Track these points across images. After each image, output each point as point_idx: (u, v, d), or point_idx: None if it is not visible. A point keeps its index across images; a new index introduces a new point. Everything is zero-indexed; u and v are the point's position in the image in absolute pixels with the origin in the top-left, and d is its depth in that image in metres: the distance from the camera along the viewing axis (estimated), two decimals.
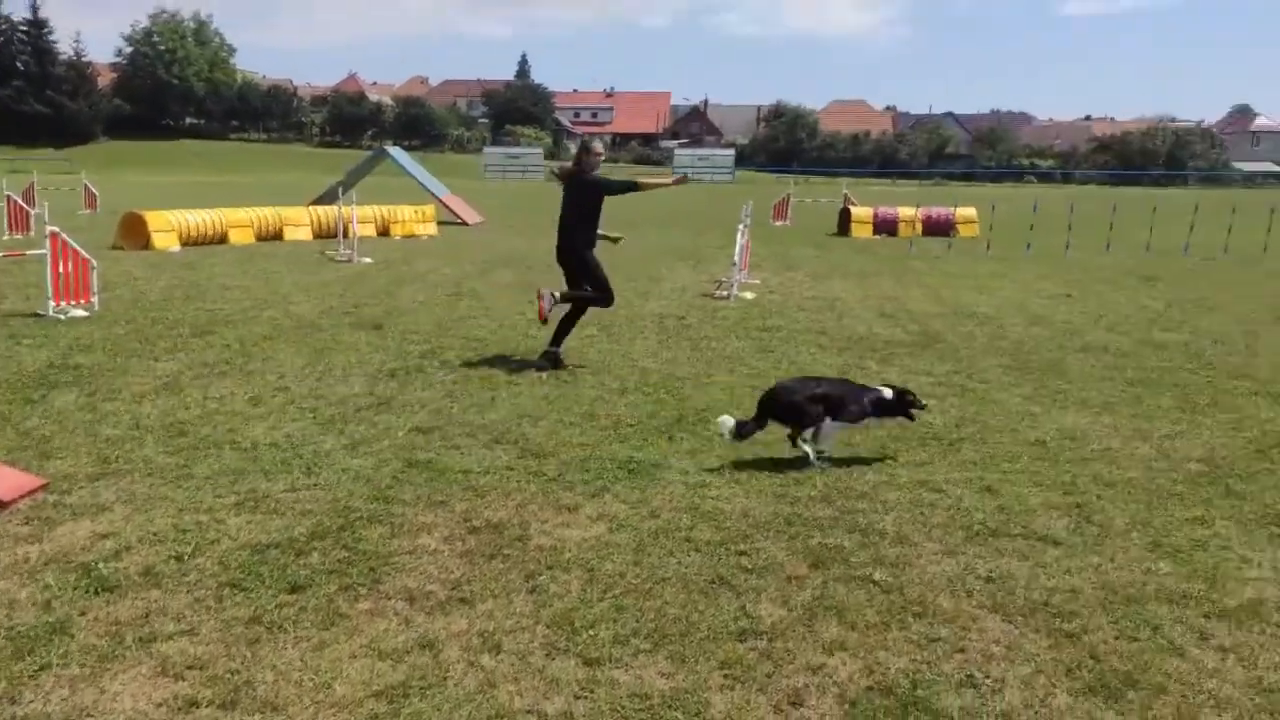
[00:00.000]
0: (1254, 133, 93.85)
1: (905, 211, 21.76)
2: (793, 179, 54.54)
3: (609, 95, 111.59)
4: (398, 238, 18.77)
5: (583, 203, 7.75)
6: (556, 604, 3.63)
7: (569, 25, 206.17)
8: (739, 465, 5.28)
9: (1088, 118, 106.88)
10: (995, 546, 4.21)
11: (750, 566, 3.99)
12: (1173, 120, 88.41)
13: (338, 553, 4.05)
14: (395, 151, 23.61)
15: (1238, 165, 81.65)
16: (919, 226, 20.80)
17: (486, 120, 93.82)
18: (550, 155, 78.16)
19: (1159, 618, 3.56)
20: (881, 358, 8.14)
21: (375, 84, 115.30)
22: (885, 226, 21.59)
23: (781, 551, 4.14)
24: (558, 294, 7.67)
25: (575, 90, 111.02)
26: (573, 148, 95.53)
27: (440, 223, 20.73)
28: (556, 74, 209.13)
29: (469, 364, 7.62)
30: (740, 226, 12.29)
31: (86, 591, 3.66)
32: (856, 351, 8.37)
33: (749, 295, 11.58)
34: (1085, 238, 18.65)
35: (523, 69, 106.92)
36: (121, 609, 3.54)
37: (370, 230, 18.43)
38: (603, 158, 8.01)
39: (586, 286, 7.73)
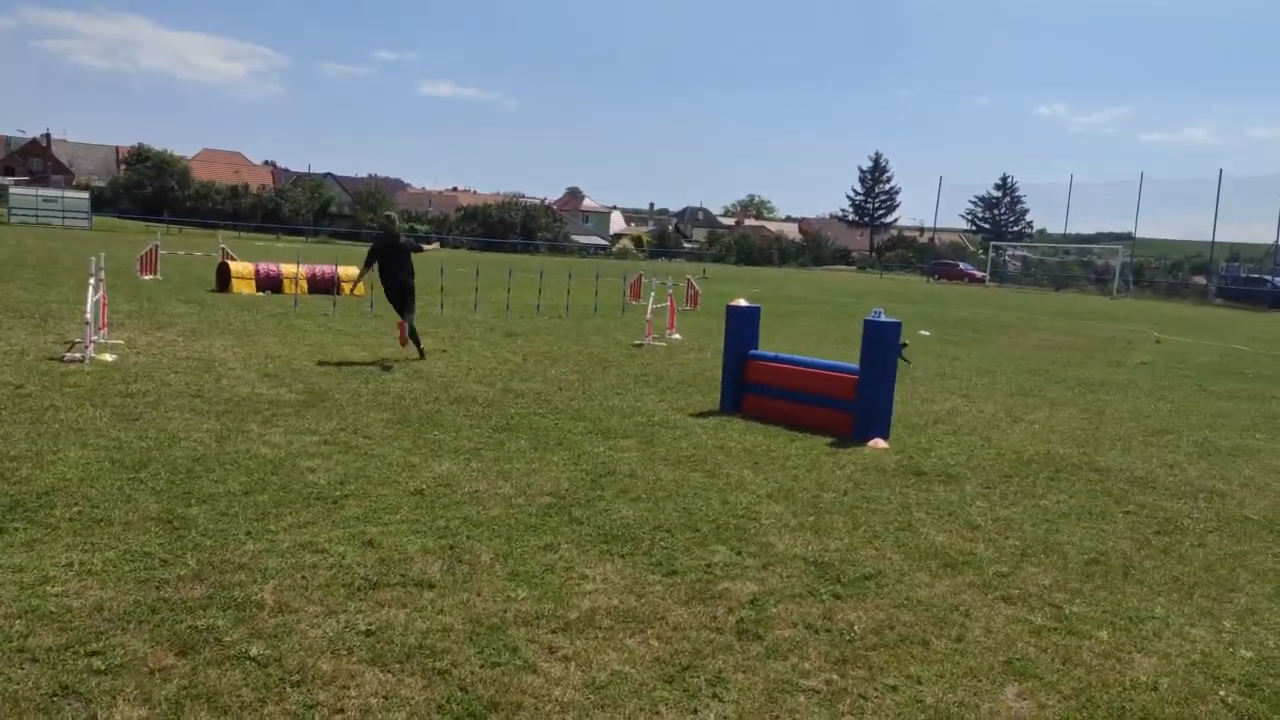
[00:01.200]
0: (585, 211, 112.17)
1: (289, 268, 21.36)
2: (163, 229, 50.14)
3: None
4: None
5: (407, 257, 12.27)
6: None
7: None
8: (92, 550, 4.66)
9: (455, 189, 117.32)
10: (376, 599, 4.34)
11: (103, 667, 3.54)
12: (523, 196, 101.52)
13: None
14: None
15: (575, 238, 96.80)
16: (304, 284, 20.61)
17: None
18: None
19: (517, 640, 4.02)
20: (264, 419, 7.87)
21: None
22: (269, 283, 20.95)
23: (143, 644, 3.75)
24: (406, 325, 11.90)
25: None
26: None
27: None
28: None
29: None
30: (91, 280, 10.89)
31: None
32: (238, 414, 7.97)
33: (109, 357, 10.29)
34: (458, 297, 20.32)
35: None
36: None
37: None
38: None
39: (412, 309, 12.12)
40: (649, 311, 15.92)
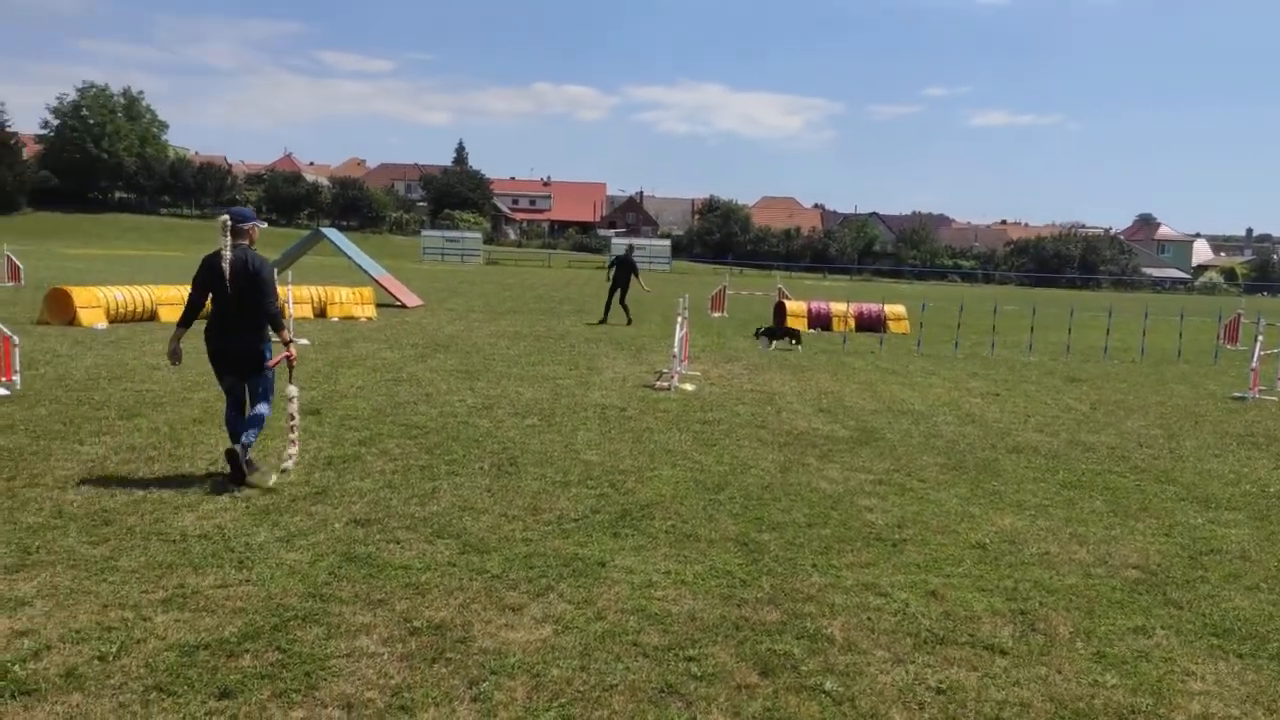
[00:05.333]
0: (1159, 241, 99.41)
1: (838, 307, 22.27)
2: (728, 270, 55.85)
3: (546, 184, 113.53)
4: (335, 319, 18.53)
5: (630, 271, 20.57)
6: (501, 713, 3.50)
7: (506, 115, 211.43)
8: (684, 562, 5.24)
9: (1003, 222, 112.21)
10: (944, 655, 4.21)
11: (699, 674, 3.91)
12: (1083, 227, 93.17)
13: (271, 655, 3.87)
14: (330, 232, 23.43)
15: (1147, 271, 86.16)
16: (851, 322, 21.32)
17: (425, 204, 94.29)
18: (489, 240, 78.59)
19: None
20: (821, 453, 8.21)
21: (311, 164, 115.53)
22: (819, 321, 22.07)
23: (730, 658, 4.08)
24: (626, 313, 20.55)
25: (513, 178, 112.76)
26: (511, 232, 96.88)
27: (378, 305, 20.57)
28: (493, 161, 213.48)
29: (409, 453, 7.47)
30: (679, 318, 12.43)
31: (2, 695, 3.42)
32: (797, 447, 8.43)
33: (689, 387, 11.64)
34: (1008, 337, 19.31)
35: (460, 155, 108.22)
36: (39, 715, 3.31)
37: (307, 311, 18.18)
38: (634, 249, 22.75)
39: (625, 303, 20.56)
40: (1254, 359, 13.44)
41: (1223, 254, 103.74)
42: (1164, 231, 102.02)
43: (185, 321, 6.40)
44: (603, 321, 20.38)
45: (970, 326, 20.10)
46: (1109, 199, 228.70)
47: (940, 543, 5.82)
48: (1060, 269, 77.69)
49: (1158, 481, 7.76)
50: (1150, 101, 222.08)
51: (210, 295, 6.36)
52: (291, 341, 6.72)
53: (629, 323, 20.08)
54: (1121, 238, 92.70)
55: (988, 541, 5.88)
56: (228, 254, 6.26)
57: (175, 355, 6.60)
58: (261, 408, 6.55)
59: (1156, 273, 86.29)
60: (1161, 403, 12.30)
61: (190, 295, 6.49)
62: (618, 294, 20.55)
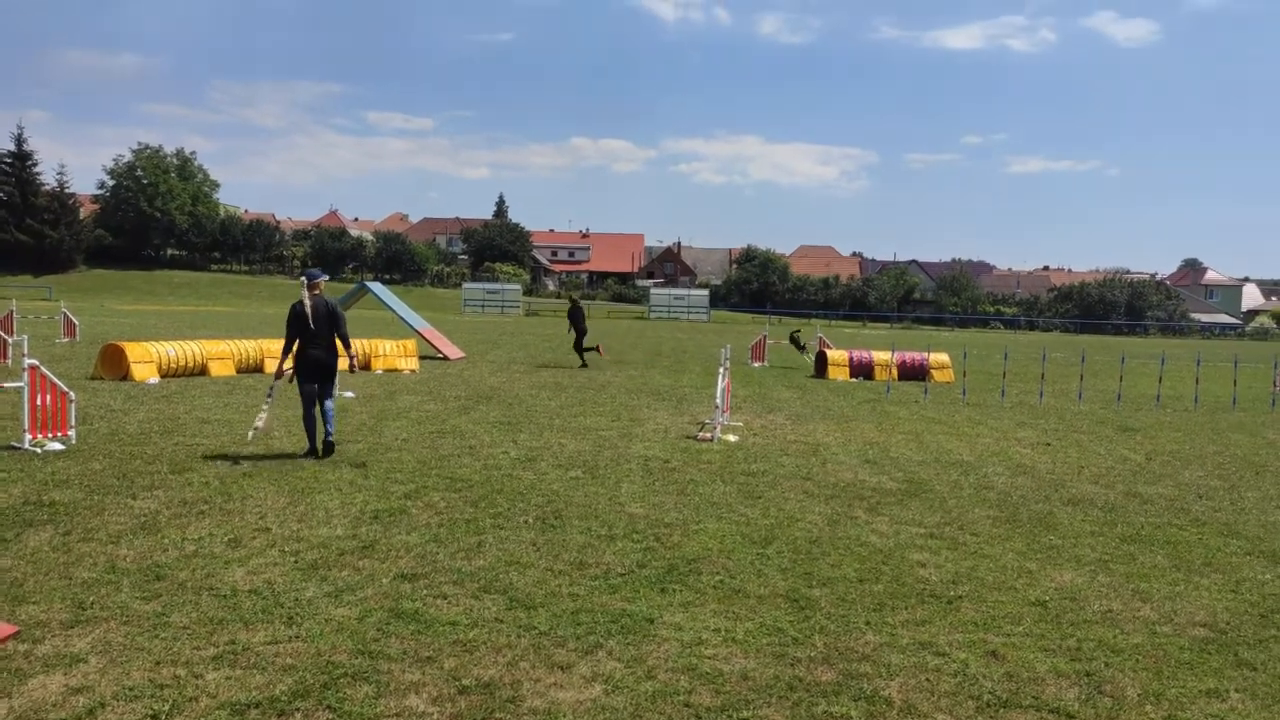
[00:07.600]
0: (1206, 286, 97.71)
1: (880, 356, 22.06)
2: (766, 319, 55.79)
3: (585, 236, 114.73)
4: (379, 372, 18.74)
5: (580, 317, 21.64)
6: None
7: (545, 169, 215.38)
8: (734, 619, 5.14)
9: (1046, 268, 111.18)
10: (1007, 719, 4.07)
11: None
12: (1127, 272, 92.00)
13: (321, 714, 3.84)
14: (375, 286, 23.81)
15: (1195, 316, 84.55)
16: (894, 371, 21.09)
17: (466, 257, 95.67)
18: (528, 291, 79.41)
19: None
20: (869, 506, 8.08)
21: (356, 219, 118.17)
22: (861, 370, 21.85)
23: None
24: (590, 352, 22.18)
25: (552, 230, 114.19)
26: (551, 284, 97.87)
27: (421, 357, 20.78)
28: (533, 214, 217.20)
29: (453, 506, 7.47)
30: (721, 368, 12.39)
31: None
32: (844, 499, 8.31)
33: (732, 438, 11.55)
34: (1057, 385, 18.96)
35: (500, 208, 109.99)
36: None
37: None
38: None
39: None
40: None
41: (1274, 298, 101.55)
42: (1212, 276, 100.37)
43: (286, 352, 9.22)
44: (583, 365, 21.61)
45: (1016, 374, 19.81)
46: (1153, 244, 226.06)
47: (998, 600, 5.67)
48: (1106, 315, 76.58)
49: (1221, 535, 7.52)
50: (1189, 144, 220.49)
51: (299, 331, 9.07)
52: (353, 357, 9.79)
53: (583, 365, 21.61)
54: (1168, 283, 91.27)
55: (1047, 599, 5.72)
56: (308, 302, 9.11)
57: (280, 374, 9.54)
58: (329, 405, 9.41)
59: (1205, 318, 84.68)
60: (1219, 452, 11.97)
61: (287, 335, 9.18)
62: (578, 335, 21.94)
